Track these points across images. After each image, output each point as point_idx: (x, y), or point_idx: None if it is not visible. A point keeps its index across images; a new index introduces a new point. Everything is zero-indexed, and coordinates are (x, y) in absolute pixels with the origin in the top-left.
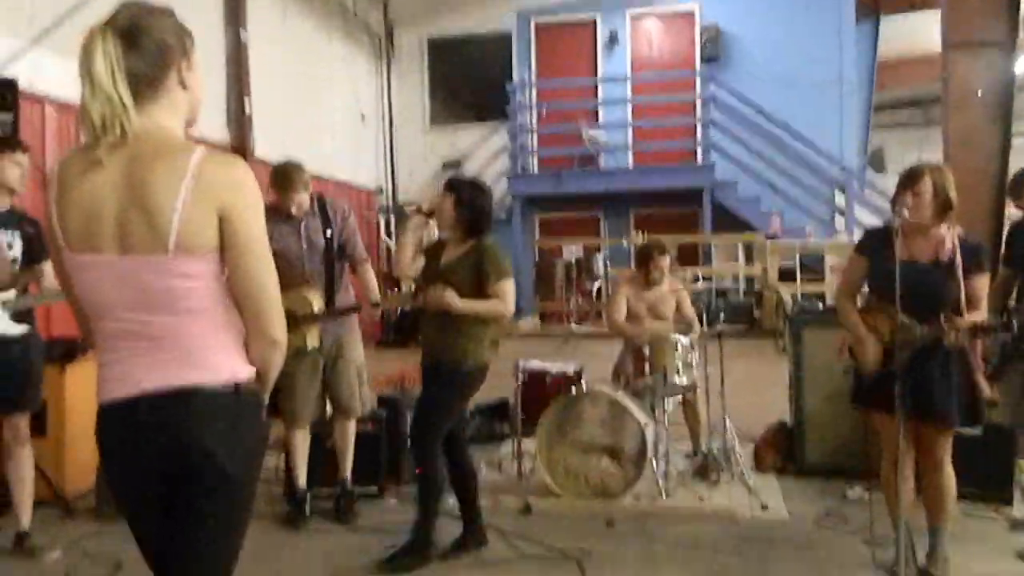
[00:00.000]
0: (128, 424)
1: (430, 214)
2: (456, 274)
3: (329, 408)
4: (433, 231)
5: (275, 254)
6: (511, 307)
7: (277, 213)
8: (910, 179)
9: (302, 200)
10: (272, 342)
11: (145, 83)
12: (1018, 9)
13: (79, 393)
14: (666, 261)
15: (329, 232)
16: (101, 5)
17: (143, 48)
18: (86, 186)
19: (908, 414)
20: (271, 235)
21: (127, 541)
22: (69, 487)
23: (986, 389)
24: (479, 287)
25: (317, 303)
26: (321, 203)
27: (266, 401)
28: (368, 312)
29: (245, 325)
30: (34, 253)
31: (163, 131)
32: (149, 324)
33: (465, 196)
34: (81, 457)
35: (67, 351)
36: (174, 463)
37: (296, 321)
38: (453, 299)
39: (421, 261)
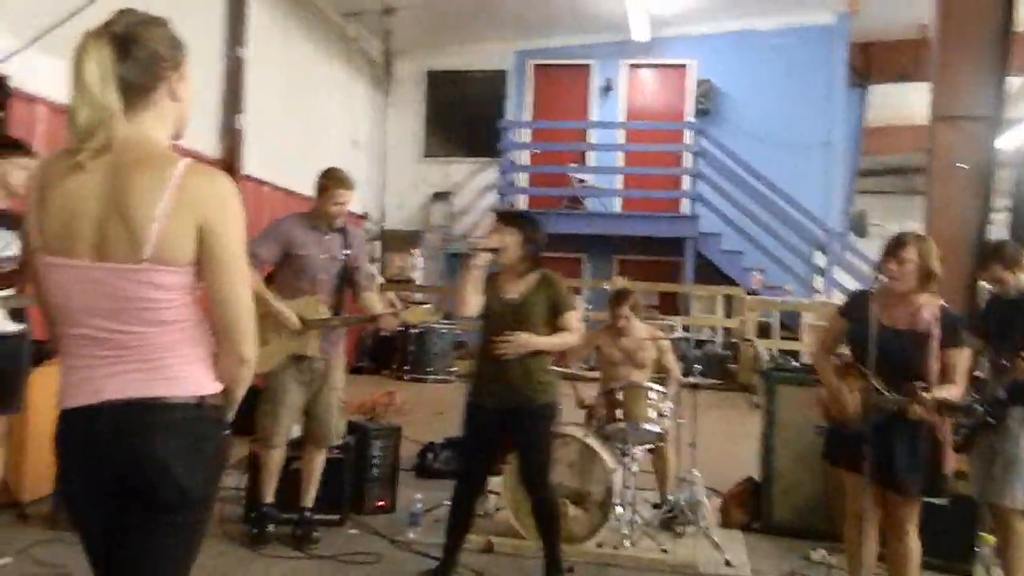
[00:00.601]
0: (86, 433)
1: (495, 250)
2: (533, 308)
3: (297, 431)
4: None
5: (297, 260)
6: (579, 335)
7: (306, 221)
8: (895, 247)
9: (348, 200)
10: (241, 359)
11: (135, 91)
12: (1005, 86)
13: (42, 397)
14: (625, 309)
15: (347, 251)
16: (101, 9)
17: (135, 57)
18: (67, 189)
19: (873, 478)
20: (298, 241)
21: (79, 551)
22: (27, 492)
23: (952, 462)
24: (552, 320)
25: (325, 312)
26: (343, 226)
27: (231, 418)
28: (389, 323)
29: (216, 340)
30: None
31: (149, 140)
32: (117, 333)
33: (529, 232)
34: (40, 462)
35: (34, 354)
36: (130, 475)
37: (303, 325)
38: (535, 340)
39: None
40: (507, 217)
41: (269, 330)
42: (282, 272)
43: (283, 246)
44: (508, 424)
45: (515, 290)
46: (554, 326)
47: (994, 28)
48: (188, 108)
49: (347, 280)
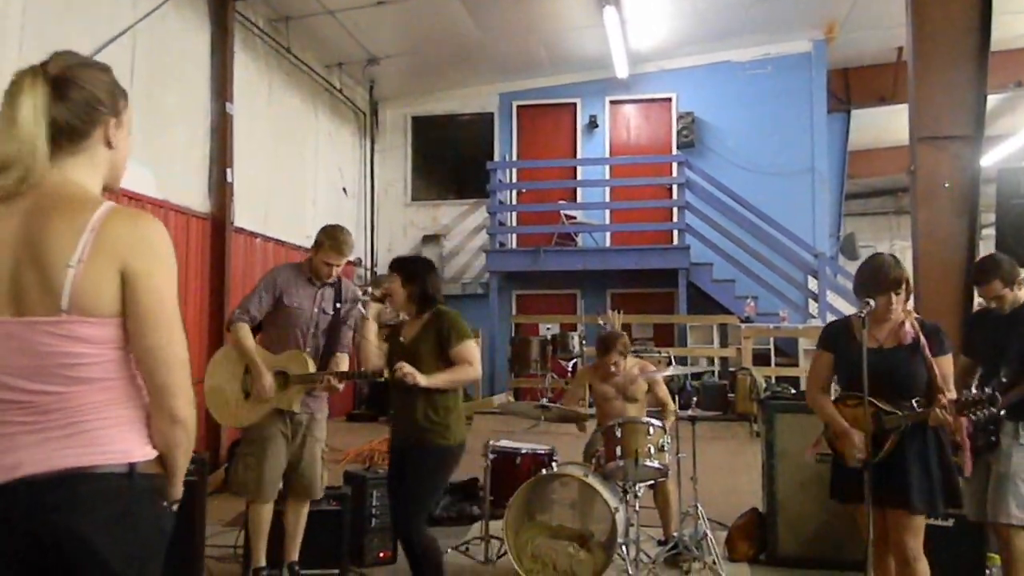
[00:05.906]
0: (2, 511)
1: (383, 299)
2: (420, 346)
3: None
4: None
5: (287, 311)
6: (477, 368)
7: (301, 273)
8: (894, 284)
9: (340, 264)
10: (173, 419)
11: (66, 135)
12: (985, 104)
13: None
14: (614, 357)
15: (338, 305)
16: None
17: (71, 99)
18: None
19: (879, 503)
20: (292, 292)
21: None
22: None
23: (968, 467)
24: (444, 355)
25: (311, 366)
26: (338, 280)
27: (175, 490)
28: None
29: (148, 399)
30: None
31: (72, 186)
32: (38, 394)
33: (407, 275)
34: None
35: None
36: (50, 558)
37: (286, 381)
38: (417, 376)
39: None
40: (393, 264)
41: (253, 383)
42: (270, 322)
43: (276, 297)
44: (404, 463)
45: (410, 332)
46: (448, 362)
47: (970, 47)
48: (124, 157)
49: (336, 334)
